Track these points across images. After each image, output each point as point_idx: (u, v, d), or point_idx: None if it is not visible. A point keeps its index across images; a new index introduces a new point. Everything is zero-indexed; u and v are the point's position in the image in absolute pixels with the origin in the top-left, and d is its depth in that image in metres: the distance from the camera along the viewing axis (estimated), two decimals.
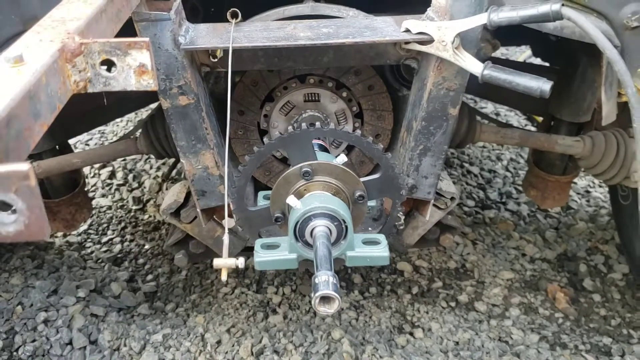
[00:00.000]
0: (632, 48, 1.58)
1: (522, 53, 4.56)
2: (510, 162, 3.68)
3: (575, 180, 3.50)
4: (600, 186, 3.43)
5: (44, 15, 1.54)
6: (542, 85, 1.21)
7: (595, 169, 2.14)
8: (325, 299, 1.08)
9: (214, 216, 1.74)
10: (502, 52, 4.78)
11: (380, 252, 1.30)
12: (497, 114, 4.18)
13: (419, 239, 1.83)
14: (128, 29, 1.23)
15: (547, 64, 2.78)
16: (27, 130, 0.69)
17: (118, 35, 1.08)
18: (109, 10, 1.03)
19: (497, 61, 2.33)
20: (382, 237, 1.35)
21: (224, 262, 1.12)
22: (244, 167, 1.40)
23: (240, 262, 1.14)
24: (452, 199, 1.74)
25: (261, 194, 1.63)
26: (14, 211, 0.55)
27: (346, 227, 1.27)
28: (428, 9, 1.40)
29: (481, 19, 1.23)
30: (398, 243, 1.82)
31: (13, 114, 0.66)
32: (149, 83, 0.88)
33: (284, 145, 1.38)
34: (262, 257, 1.31)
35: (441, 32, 1.27)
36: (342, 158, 1.38)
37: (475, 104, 4.31)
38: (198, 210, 1.65)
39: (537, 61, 3.32)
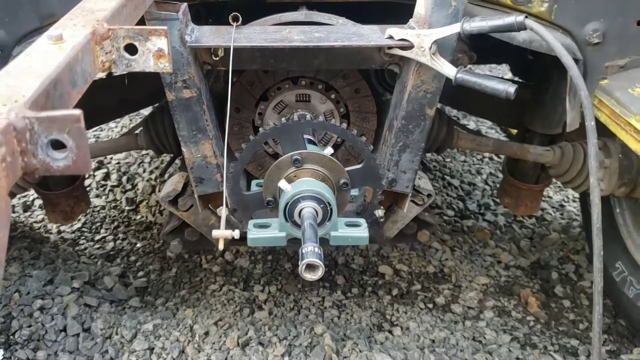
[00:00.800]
0: (594, 62, 1.76)
1: (505, 75, 4.78)
2: (489, 176, 3.85)
3: (551, 195, 3.68)
4: (574, 201, 3.60)
5: (62, 13, 1.70)
6: (508, 88, 1.37)
7: (564, 177, 2.31)
8: (310, 267, 1.21)
9: (209, 205, 1.87)
10: (490, 68, 4.98)
11: (360, 232, 1.44)
12: (479, 131, 4.36)
13: (398, 233, 1.98)
14: None
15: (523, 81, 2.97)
16: (67, 94, 0.83)
17: None
18: (129, 5, 1.18)
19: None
20: (362, 221, 1.49)
21: (222, 233, 1.26)
22: (240, 154, 1.54)
23: (236, 233, 1.27)
24: (429, 195, 1.90)
25: (254, 182, 1.77)
26: (65, 148, 0.69)
27: (331, 209, 1.41)
28: (410, 20, 1.56)
29: (455, 28, 1.39)
30: (379, 236, 1.96)
31: (58, 79, 0.80)
32: (165, 66, 1.02)
33: (277, 135, 1.53)
34: (255, 235, 1.45)
35: (420, 39, 1.43)
36: (329, 150, 1.52)
37: (459, 120, 4.50)
38: (195, 196, 1.78)
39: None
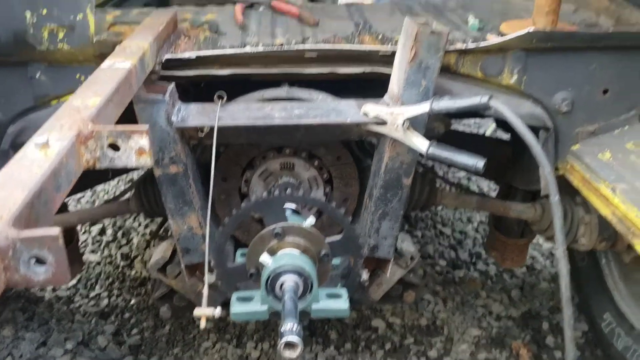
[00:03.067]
0: (564, 129, 1.84)
1: (489, 126, 4.86)
2: (480, 224, 3.90)
3: (540, 242, 3.72)
4: None
5: (54, 93, 1.78)
6: (477, 163, 1.44)
7: (547, 233, 2.36)
8: (289, 345, 1.26)
9: (197, 272, 1.92)
10: (473, 122, 5.05)
11: (341, 305, 1.49)
12: (469, 179, 4.43)
13: (384, 295, 2.02)
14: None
15: (507, 135, 3.05)
16: (51, 201, 0.90)
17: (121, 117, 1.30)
18: (115, 99, 1.26)
19: (458, 135, 2.59)
20: (343, 292, 1.54)
21: (203, 312, 1.31)
22: (223, 227, 1.60)
23: (217, 312, 1.32)
24: (412, 258, 1.95)
25: (239, 251, 1.82)
26: (44, 263, 0.75)
27: (311, 282, 1.46)
28: (385, 95, 1.64)
29: (425, 107, 1.47)
30: (365, 298, 2.01)
31: (43, 188, 0.87)
32: (146, 161, 1.09)
33: (259, 209, 1.59)
34: (237, 309, 1.50)
35: (393, 116, 1.51)
36: (311, 221, 1.59)
37: (449, 168, 4.57)
38: (182, 266, 1.84)
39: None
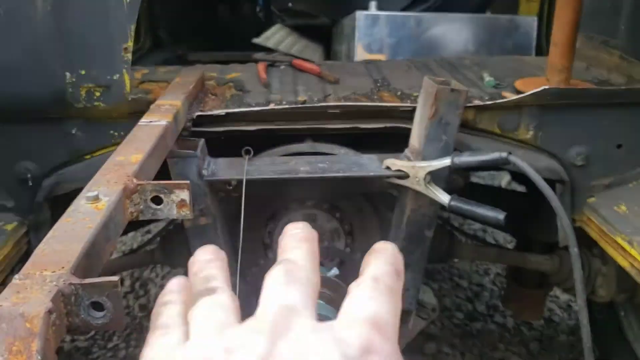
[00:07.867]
0: (580, 182, 1.89)
1: (503, 178, 4.91)
2: (496, 276, 3.90)
3: (558, 294, 3.71)
4: None
5: (89, 149, 1.85)
6: (498, 215, 1.50)
7: (564, 284, 2.38)
8: None
9: None
10: (491, 174, 5.10)
11: None
12: (485, 230, 4.45)
13: (406, 346, 2.03)
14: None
15: (522, 187, 3.10)
16: (102, 250, 0.96)
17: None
18: (154, 154, 1.33)
19: (476, 186, 2.64)
20: None
21: None
22: (252, 278, 1.65)
23: None
24: (433, 310, 1.98)
25: None
26: (103, 309, 0.80)
27: None
28: (406, 150, 1.71)
29: (446, 162, 1.54)
30: None
31: (96, 240, 0.93)
32: (186, 214, 1.15)
33: None
34: None
35: (415, 170, 1.58)
36: (334, 272, 1.63)
37: (464, 220, 4.60)
38: None
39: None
